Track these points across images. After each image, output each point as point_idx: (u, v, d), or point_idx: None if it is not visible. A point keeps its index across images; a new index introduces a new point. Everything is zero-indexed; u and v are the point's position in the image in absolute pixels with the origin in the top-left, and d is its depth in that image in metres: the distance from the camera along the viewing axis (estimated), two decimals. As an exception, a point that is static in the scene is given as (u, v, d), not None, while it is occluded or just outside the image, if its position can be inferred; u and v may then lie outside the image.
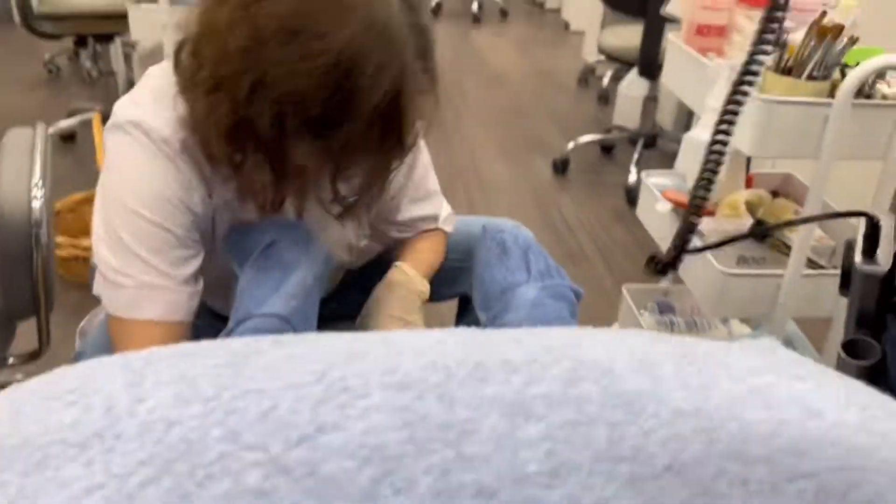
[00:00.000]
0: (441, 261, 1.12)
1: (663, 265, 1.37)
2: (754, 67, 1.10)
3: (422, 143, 1.05)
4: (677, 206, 1.52)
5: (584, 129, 3.23)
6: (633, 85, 3.02)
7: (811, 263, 1.36)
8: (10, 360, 1.33)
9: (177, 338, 0.88)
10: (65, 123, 2.90)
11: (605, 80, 3.79)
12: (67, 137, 2.93)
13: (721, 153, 1.19)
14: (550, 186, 2.90)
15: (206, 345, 0.38)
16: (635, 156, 2.84)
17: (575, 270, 2.28)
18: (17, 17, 2.79)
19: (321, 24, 0.73)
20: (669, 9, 1.71)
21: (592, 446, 0.28)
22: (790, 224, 1.36)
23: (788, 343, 1.67)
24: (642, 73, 2.61)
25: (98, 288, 0.89)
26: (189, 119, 0.82)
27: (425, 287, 1.03)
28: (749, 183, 1.59)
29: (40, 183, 1.14)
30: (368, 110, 0.76)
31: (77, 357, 1.01)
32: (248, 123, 0.77)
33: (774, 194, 1.58)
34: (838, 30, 1.18)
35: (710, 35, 1.41)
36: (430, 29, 0.85)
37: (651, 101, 2.97)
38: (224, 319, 1.03)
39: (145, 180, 0.85)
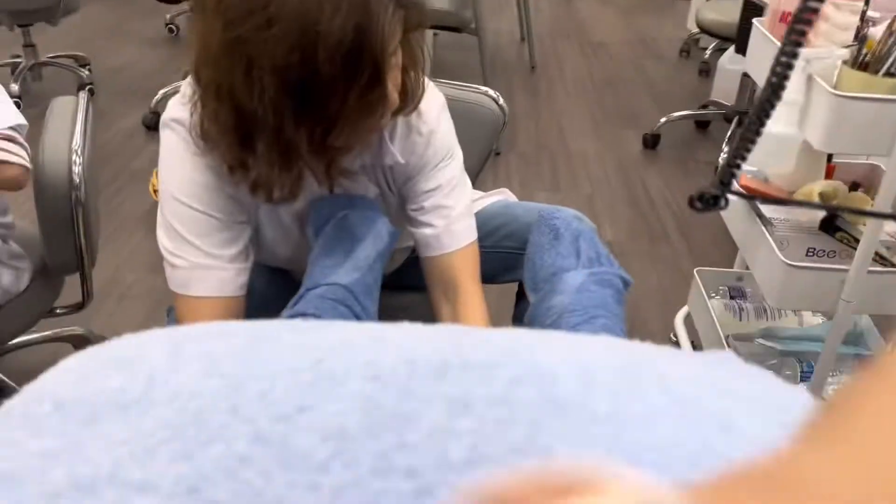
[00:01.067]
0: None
1: (705, 201, 1.37)
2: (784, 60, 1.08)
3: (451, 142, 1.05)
4: (751, 193, 1.51)
5: (680, 103, 3.16)
6: (732, 60, 2.93)
7: (881, 260, 1.34)
8: (58, 311, 1.49)
9: (227, 310, 0.98)
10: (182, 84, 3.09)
11: (708, 52, 3.67)
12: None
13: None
14: (638, 161, 2.88)
15: (237, 326, 0.46)
16: (729, 134, 2.77)
17: (653, 249, 2.29)
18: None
19: None
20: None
21: (510, 442, 0.32)
22: (855, 213, 1.34)
23: (859, 337, 1.64)
24: (738, 49, 2.54)
25: (165, 267, 0.99)
26: (199, 128, 0.89)
27: None
28: (829, 173, 1.56)
29: (79, 149, 1.24)
30: (332, 53, 0.76)
31: None
32: (250, 115, 0.81)
33: (855, 186, 1.54)
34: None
35: (791, 23, 1.38)
36: None
37: (750, 78, 2.87)
38: (294, 282, 1.13)
39: (185, 171, 0.93)
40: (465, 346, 0.42)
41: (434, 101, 1.01)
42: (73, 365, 0.42)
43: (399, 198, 1.08)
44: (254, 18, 0.76)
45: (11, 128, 1.25)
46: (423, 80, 0.96)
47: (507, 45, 4.12)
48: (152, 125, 2.95)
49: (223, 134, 0.86)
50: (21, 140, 1.26)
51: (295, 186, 0.91)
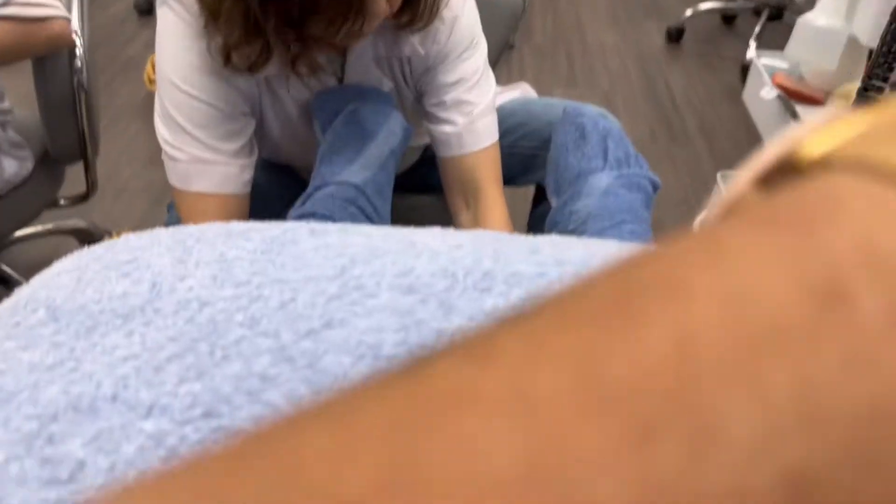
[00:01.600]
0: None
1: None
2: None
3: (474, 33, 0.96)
4: (787, 94, 1.43)
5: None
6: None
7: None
8: (62, 202, 1.46)
9: (231, 208, 0.93)
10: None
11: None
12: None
13: None
14: (661, 56, 2.75)
15: (249, 227, 0.42)
16: (757, 29, 2.63)
17: (674, 149, 2.21)
18: None
19: None
20: None
21: None
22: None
23: None
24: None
25: (164, 159, 0.93)
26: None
27: None
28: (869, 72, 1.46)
29: (79, 30, 1.19)
30: None
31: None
32: None
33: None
34: None
35: None
36: None
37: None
38: (300, 179, 1.07)
39: (185, 55, 0.85)
40: (510, 256, 0.38)
41: None
42: (69, 267, 0.38)
43: (416, 91, 1.00)
44: None
45: None
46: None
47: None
48: (145, 9, 2.81)
49: None
50: None
51: (259, 59, 0.83)
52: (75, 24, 1.19)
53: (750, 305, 0.11)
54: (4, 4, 1.08)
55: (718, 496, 0.10)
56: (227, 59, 0.82)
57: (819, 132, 0.14)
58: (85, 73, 1.20)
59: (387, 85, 0.98)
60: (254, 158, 0.96)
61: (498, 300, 0.33)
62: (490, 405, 0.10)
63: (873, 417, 0.10)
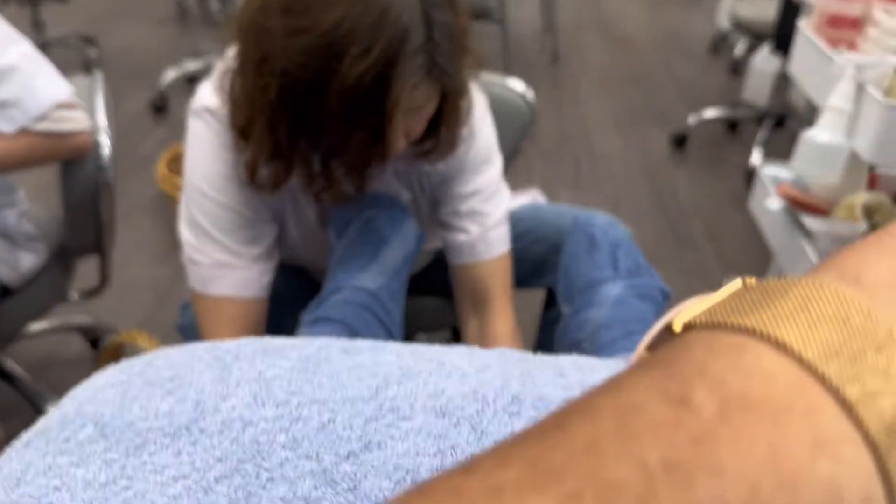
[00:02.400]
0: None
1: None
2: None
3: (490, 139, 0.99)
4: (792, 204, 1.45)
5: (709, 102, 3.10)
6: (766, 59, 2.86)
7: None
8: (74, 296, 1.48)
9: (250, 312, 0.94)
10: (192, 65, 3.07)
11: (739, 50, 3.60)
12: (191, 79, 3.09)
13: None
14: (666, 162, 2.82)
15: (284, 343, 0.43)
16: (761, 136, 2.71)
17: (681, 255, 2.23)
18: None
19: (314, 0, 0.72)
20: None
21: None
22: None
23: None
24: (775, 48, 2.47)
25: (184, 261, 0.95)
26: (221, 94, 0.85)
27: None
28: (873, 183, 1.50)
29: (105, 126, 1.25)
30: (343, 93, 0.73)
31: (180, 330, 1.10)
32: (259, 97, 0.78)
33: (900, 198, 1.48)
34: None
35: (842, 27, 1.33)
36: (450, 21, 0.77)
37: (784, 78, 2.81)
38: (313, 281, 1.08)
39: (213, 163, 0.89)
40: (537, 378, 0.39)
41: (477, 102, 0.96)
42: (113, 382, 0.39)
43: (431, 200, 1.03)
44: (286, 19, 0.73)
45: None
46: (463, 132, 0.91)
47: (528, 36, 4.05)
48: (160, 107, 2.91)
49: (234, 100, 0.82)
50: (80, 104, 1.22)
51: (283, 178, 0.87)
52: (101, 119, 1.25)
53: (633, 414, 0.18)
54: (41, 119, 1.14)
55: None
56: (252, 176, 0.86)
57: (686, 310, 0.22)
58: (110, 169, 1.26)
59: (405, 196, 1.01)
60: (274, 263, 0.97)
61: (527, 424, 0.34)
62: (471, 495, 0.16)
63: (722, 474, 0.16)
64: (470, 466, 0.18)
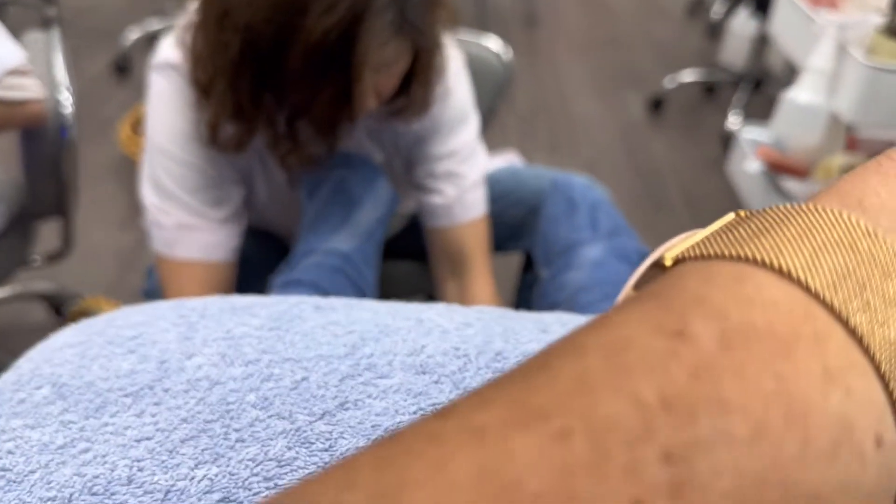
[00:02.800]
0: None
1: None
2: None
3: (466, 104, 0.97)
4: (771, 167, 1.45)
5: (686, 65, 3.07)
6: (744, 22, 2.84)
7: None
8: (36, 260, 1.43)
9: (217, 277, 0.91)
10: (155, 24, 2.97)
11: (716, 13, 3.57)
12: (154, 39, 2.99)
13: None
14: (642, 126, 2.80)
15: (252, 301, 0.41)
16: (737, 100, 2.70)
17: (657, 219, 2.23)
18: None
19: None
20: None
21: None
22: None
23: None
24: (755, 10, 2.45)
25: (147, 224, 0.92)
26: (183, 49, 0.82)
27: None
28: (851, 145, 1.49)
29: (68, 85, 1.21)
30: (308, 50, 0.71)
31: (146, 295, 1.07)
32: (220, 52, 0.76)
33: (877, 160, 1.48)
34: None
35: (824, -14, 1.31)
36: None
37: (762, 41, 2.79)
38: (282, 246, 1.05)
39: (175, 120, 0.85)
40: (521, 335, 0.38)
41: (452, 59, 0.93)
42: (71, 342, 0.37)
43: (406, 161, 1.00)
44: None
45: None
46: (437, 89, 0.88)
47: (507, -1, 3.99)
48: (122, 68, 2.82)
49: (196, 55, 0.79)
50: (34, 72, 1.17)
51: (244, 140, 0.84)
52: (60, 76, 1.20)
53: (624, 349, 0.16)
54: None
55: None
56: (213, 136, 0.82)
57: (676, 244, 0.21)
58: (73, 128, 1.21)
59: (378, 156, 0.98)
60: (242, 227, 0.94)
61: None
62: (449, 438, 0.15)
63: (725, 408, 0.15)
64: (447, 411, 0.16)
